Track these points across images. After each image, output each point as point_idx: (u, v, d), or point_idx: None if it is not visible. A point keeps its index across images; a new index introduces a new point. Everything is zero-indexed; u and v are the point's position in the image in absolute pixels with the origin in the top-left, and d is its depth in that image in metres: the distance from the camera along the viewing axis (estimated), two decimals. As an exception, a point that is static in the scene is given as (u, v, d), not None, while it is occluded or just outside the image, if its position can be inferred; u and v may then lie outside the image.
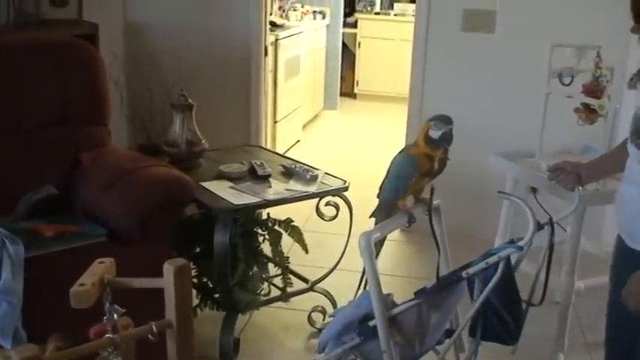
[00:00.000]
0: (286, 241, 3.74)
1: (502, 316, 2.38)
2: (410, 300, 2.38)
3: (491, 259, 2.26)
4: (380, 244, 2.66)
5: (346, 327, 2.46)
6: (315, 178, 3.63)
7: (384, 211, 2.63)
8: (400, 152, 2.63)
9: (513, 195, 2.39)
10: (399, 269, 4.53)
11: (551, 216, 2.39)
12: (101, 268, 1.82)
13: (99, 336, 1.71)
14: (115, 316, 1.75)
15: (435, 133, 2.49)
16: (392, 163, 2.62)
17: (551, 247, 2.40)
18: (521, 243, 2.26)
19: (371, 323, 2.37)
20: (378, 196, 2.69)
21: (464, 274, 2.33)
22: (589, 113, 3.41)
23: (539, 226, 2.34)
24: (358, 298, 2.46)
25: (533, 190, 3.47)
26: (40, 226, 3.07)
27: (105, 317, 1.74)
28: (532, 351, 3.63)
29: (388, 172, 2.63)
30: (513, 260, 2.45)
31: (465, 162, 3.78)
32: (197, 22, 5.22)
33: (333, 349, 2.50)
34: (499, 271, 2.24)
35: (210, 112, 4.68)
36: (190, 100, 3.80)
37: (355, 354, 2.47)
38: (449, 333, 2.50)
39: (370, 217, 2.71)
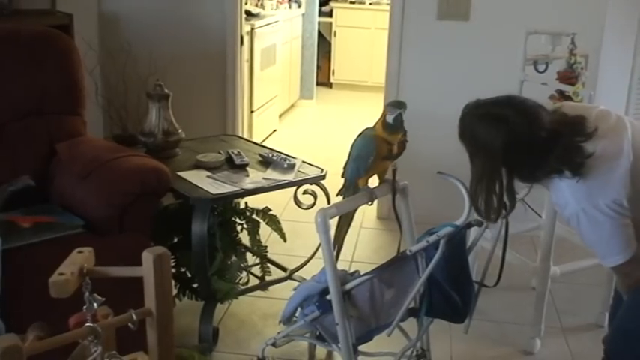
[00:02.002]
0: (264, 230, 3.75)
1: (448, 294, 2.45)
2: (362, 275, 2.45)
3: (432, 238, 2.35)
4: (347, 222, 2.78)
5: (306, 300, 2.52)
6: (292, 166, 3.64)
7: (350, 191, 2.71)
8: (360, 134, 2.68)
9: (451, 175, 2.46)
10: (377, 257, 4.54)
11: (519, 200, 2.46)
12: (80, 257, 1.82)
13: (79, 325, 1.72)
14: (95, 305, 1.74)
15: (389, 118, 2.55)
16: (352, 144, 2.68)
17: (506, 230, 2.50)
18: (457, 222, 2.31)
19: (328, 297, 2.42)
20: (342, 176, 2.75)
21: (408, 251, 2.41)
22: (564, 100, 3.44)
23: None
24: (318, 273, 2.52)
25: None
26: (17, 217, 3.06)
27: (85, 306, 1.75)
28: (509, 336, 3.68)
29: (350, 153, 2.69)
30: (470, 240, 2.52)
31: (440, 149, 3.80)
32: (172, 12, 5.19)
33: (299, 322, 2.58)
34: (439, 249, 2.31)
35: (187, 101, 4.67)
36: (166, 90, 3.78)
37: (317, 326, 2.52)
38: (413, 311, 2.55)
39: (337, 195, 2.79)
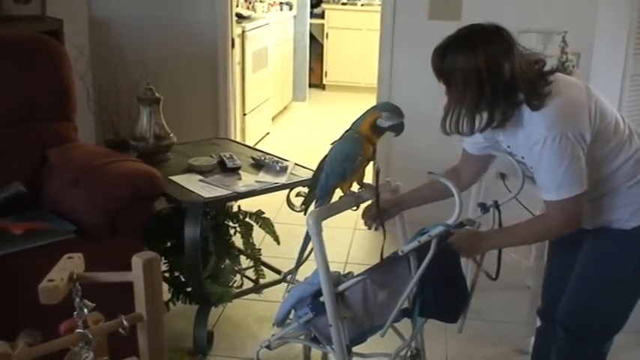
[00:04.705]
0: (258, 233, 3.74)
1: (441, 294, 2.47)
2: (354, 277, 2.44)
3: (423, 238, 2.33)
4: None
5: (300, 302, 2.52)
6: (284, 169, 3.64)
7: (326, 199, 2.61)
8: (342, 137, 2.63)
9: (441, 175, 2.46)
10: (371, 258, 4.53)
11: (496, 200, 2.50)
12: (70, 263, 1.81)
13: (69, 331, 1.71)
14: (85, 310, 1.74)
15: (384, 123, 2.52)
16: (333, 148, 2.62)
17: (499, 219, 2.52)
18: (449, 221, 2.31)
19: (321, 299, 2.41)
20: (311, 185, 2.70)
21: (400, 252, 2.40)
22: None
23: (485, 209, 2.51)
24: (311, 276, 2.51)
25: (502, 175, 3.50)
26: (9, 224, 3.05)
27: (75, 312, 1.74)
28: (504, 335, 3.68)
29: (330, 157, 2.61)
30: None
31: (432, 150, 3.80)
32: (162, 16, 5.19)
33: (293, 324, 2.58)
34: (431, 249, 2.30)
35: (178, 105, 4.66)
36: (157, 94, 3.78)
37: (311, 328, 2.52)
38: (406, 312, 2.54)
39: (302, 205, 2.80)
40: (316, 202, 2.61)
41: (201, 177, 3.51)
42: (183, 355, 3.37)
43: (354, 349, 2.49)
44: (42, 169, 3.45)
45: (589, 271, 2.52)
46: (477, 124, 2.30)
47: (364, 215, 2.67)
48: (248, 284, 3.81)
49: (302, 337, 2.68)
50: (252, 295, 3.79)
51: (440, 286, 2.45)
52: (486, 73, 2.23)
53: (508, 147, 2.47)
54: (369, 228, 2.67)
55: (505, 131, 2.38)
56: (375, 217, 2.62)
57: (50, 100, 3.59)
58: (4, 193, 3.22)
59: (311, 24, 9.24)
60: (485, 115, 2.29)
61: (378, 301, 2.46)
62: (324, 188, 2.59)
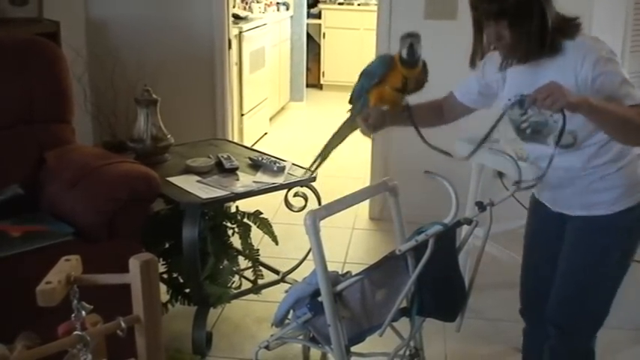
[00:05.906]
0: (256, 234, 3.75)
1: (439, 293, 2.47)
2: (353, 276, 2.44)
3: (420, 237, 2.32)
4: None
5: (298, 302, 2.52)
6: (282, 169, 3.64)
7: (356, 106, 2.81)
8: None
9: (438, 174, 2.46)
10: (369, 258, 4.53)
11: (491, 199, 2.45)
12: (67, 265, 1.81)
13: (67, 333, 1.71)
14: (83, 313, 1.74)
15: (404, 52, 2.56)
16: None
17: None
18: (446, 220, 2.33)
19: (320, 298, 2.41)
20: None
21: (397, 251, 2.39)
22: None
23: (482, 207, 2.44)
24: (309, 275, 2.51)
25: (500, 174, 3.51)
26: (6, 226, 3.05)
27: (73, 315, 1.74)
28: (502, 333, 3.68)
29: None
30: (460, 238, 2.54)
31: (428, 148, 3.79)
32: (159, 17, 5.19)
33: (291, 324, 2.58)
34: (429, 248, 2.29)
35: (176, 106, 4.67)
36: (154, 95, 3.78)
37: (309, 328, 2.52)
38: (405, 311, 2.54)
39: (348, 111, 2.86)
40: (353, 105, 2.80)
41: (198, 178, 3.51)
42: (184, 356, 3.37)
43: (353, 348, 2.48)
44: (40, 171, 3.45)
45: (574, 264, 2.53)
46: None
47: (363, 119, 2.65)
48: (247, 285, 3.81)
49: (301, 337, 2.68)
50: (250, 296, 3.79)
51: (438, 285, 2.45)
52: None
53: (511, 97, 2.38)
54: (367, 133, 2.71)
55: (536, 66, 2.44)
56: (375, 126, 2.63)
57: (47, 102, 3.59)
58: (1, 195, 3.22)
59: (308, 24, 9.24)
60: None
61: (377, 301, 2.46)
62: (357, 91, 2.79)
